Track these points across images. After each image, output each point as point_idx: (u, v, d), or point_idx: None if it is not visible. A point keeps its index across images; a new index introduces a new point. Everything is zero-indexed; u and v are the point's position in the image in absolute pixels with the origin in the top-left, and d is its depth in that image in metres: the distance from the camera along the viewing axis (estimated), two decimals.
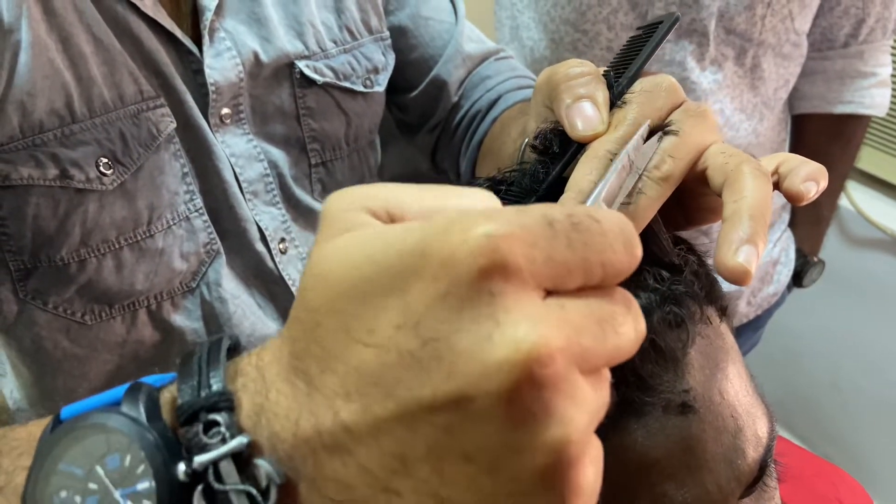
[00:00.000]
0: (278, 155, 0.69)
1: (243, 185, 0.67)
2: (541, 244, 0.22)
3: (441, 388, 0.21)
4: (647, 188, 0.37)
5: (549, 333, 0.21)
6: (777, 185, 0.40)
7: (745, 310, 1.20)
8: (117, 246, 0.61)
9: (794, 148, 1.20)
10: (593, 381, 0.23)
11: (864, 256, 1.71)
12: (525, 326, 0.21)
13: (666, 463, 0.36)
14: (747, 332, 1.25)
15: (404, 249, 0.22)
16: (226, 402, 0.24)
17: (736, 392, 0.39)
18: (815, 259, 1.24)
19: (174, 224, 0.63)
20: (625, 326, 0.24)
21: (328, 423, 0.22)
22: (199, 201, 0.64)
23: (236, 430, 0.23)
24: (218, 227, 0.66)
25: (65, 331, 0.64)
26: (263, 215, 0.69)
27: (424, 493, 0.22)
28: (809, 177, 0.39)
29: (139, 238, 0.61)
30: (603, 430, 0.32)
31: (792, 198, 0.39)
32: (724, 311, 0.42)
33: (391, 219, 0.24)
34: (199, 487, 0.23)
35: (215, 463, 0.23)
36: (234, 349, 0.27)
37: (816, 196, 0.39)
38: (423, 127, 0.83)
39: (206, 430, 0.23)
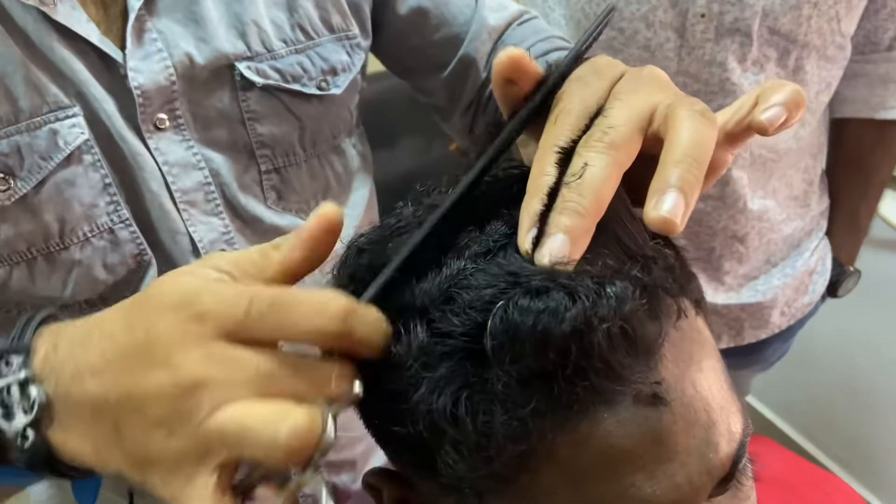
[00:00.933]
0: (221, 162, 0.66)
1: (176, 195, 0.64)
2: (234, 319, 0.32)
3: (152, 380, 0.32)
4: (592, 159, 0.35)
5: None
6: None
7: (778, 320, 1.17)
8: (30, 256, 0.60)
9: (833, 153, 1.16)
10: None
11: (884, 260, 1.68)
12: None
13: (635, 454, 0.35)
14: (777, 343, 1.22)
15: (184, 296, 0.33)
16: (24, 349, 0.36)
17: (709, 386, 0.38)
18: (851, 269, 1.21)
19: (93, 236, 0.61)
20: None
21: (77, 391, 0.34)
22: (124, 212, 0.62)
23: (25, 368, 0.35)
24: (149, 237, 0.65)
25: (9, 325, 0.63)
26: (201, 226, 0.66)
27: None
28: (775, 103, 0.37)
29: (52, 250, 0.60)
30: (572, 419, 0.35)
31: (757, 131, 0.37)
32: (699, 305, 0.41)
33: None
34: None
35: (9, 385, 0.35)
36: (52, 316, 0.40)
37: (785, 126, 0.37)
38: (456, 109, 0.80)
39: (6, 364, 0.35)
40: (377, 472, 0.47)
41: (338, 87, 0.70)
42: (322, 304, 0.33)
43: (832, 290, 1.21)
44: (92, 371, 0.34)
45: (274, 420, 0.31)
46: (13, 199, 0.57)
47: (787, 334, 1.21)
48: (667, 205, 0.33)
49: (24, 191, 0.57)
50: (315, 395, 0.32)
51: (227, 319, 0.32)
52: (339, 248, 0.42)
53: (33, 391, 0.35)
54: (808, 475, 0.73)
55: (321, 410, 0.31)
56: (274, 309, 0.32)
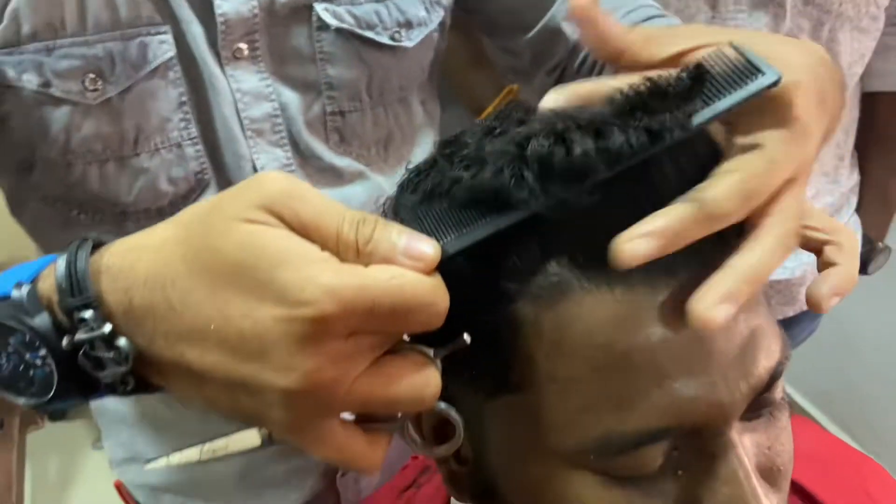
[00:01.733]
0: (291, 97, 0.68)
1: (245, 122, 0.66)
2: (356, 319, 0.31)
3: (249, 375, 0.31)
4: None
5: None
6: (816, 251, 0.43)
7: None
8: (103, 158, 0.63)
9: (863, 128, 1.14)
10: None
11: None
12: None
13: (673, 347, 0.36)
14: (805, 321, 1.21)
15: (279, 278, 0.30)
16: (91, 300, 0.33)
17: (751, 305, 0.39)
18: (882, 245, 1.19)
19: (163, 148, 0.64)
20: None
21: (171, 353, 0.33)
22: (193, 130, 0.65)
23: (102, 321, 0.33)
24: (213, 159, 0.67)
25: (61, 224, 0.68)
26: (264, 155, 0.68)
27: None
28: (836, 290, 0.41)
29: (125, 155, 0.63)
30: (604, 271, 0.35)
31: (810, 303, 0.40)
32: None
33: (295, 227, 0.32)
34: (81, 352, 0.34)
35: (92, 340, 0.33)
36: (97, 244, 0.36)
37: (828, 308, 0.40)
38: (539, 70, 0.79)
39: (81, 320, 0.33)
40: None
41: (410, 40, 0.71)
42: (434, 304, 0.32)
43: (862, 267, 1.20)
44: (188, 341, 0.33)
45: (420, 385, 0.33)
46: (99, 101, 0.60)
47: (815, 312, 1.19)
48: (715, 310, 0.34)
49: (111, 94, 0.60)
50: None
51: (349, 324, 0.31)
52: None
53: (122, 343, 0.33)
54: (844, 455, 0.71)
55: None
56: (394, 313, 0.31)
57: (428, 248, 0.33)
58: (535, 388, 0.38)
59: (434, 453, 0.40)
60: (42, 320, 0.34)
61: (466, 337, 0.35)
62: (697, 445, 0.38)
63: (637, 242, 0.33)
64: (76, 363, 0.34)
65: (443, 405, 0.37)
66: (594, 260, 0.35)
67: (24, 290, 0.35)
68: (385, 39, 0.69)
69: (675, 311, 0.36)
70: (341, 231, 0.32)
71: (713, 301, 0.34)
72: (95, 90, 0.60)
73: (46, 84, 0.59)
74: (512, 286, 0.38)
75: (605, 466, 0.38)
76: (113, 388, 0.35)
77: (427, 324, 0.33)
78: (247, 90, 0.65)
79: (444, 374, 0.40)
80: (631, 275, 0.35)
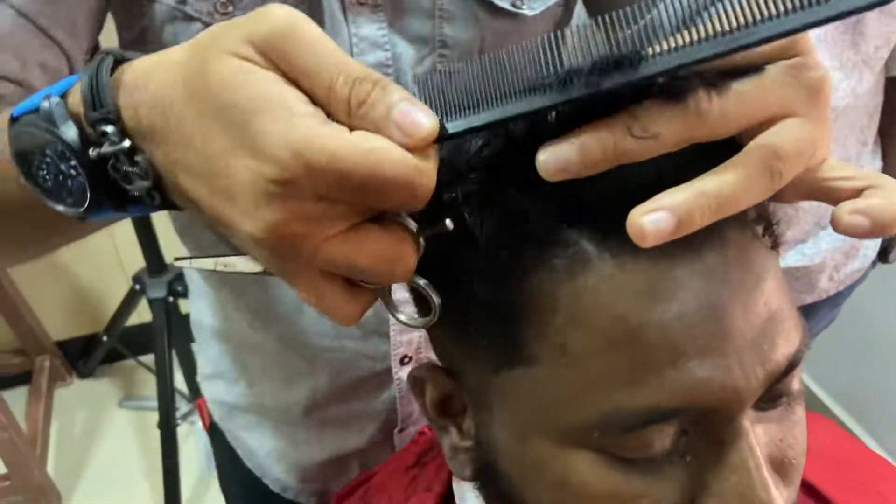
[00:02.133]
0: (405, 50, 0.68)
1: None
2: (325, 186, 0.29)
3: (215, 206, 0.32)
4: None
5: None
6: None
7: (826, 286, 1.14)
8: None
9: (885, 113, 1.12)
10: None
11: None
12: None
13: (693, 327, 0.35)
14: (825, 309, 1.20)
15: (253, 126, 0.29)
16: (113, 116, 0.34)
17: (772, 289, 0.37)
18: None
19: None
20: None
21: (171, 177, 0.33)
22: None
23: (122, 136, 0.34)
24: None
25: None
26: None
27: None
28: (866, 210, 0.33)
29: None
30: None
31: (833, 223, 0.34)
32: (770, 233, 0.41)
33: (285, 72, 0.31)
34: (110, 163, 0.34)
35: (116, 154, 0.34)
36: (119, 59, 0.36)
37: (862, 234, 0.34)
38: None
39: (103, 134, 0.34)
40: (423, 367, 0.47)
41: (532, 9, 0.70)
42: (413, 186, 0.30)
43: (883, 255, 1.18)
44: (181, 168, 0.33)
45: (391, 258, 0.32)
46: None
47: (835, 300, 1.18)
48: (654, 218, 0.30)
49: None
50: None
51: (315, 189, 0.29)
52: None
53: (140, 159, 0.34)
54: (858, 454, 0.70)
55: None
56: (366, 188, 0.29)
57: (424, 120, 0.30)
58: (546, 362, 0.37)
59: (410, 323, 0.38)
60: (69, 130, 0.35)
61: (449, 223, 0.33)
62: (708, 431, 0.37)
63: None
64: (107, 175, 0.35)
65: (421, 281, 0.35)
66: (615, 230, 0.33)
67: (53, 101, 0.35)
68: (506, 4, 0.69)
69: (694, 287, 0.35)
70: (335, 85, 0.30)
71: (649, 208, 0.30)
72: (225, 14, 0.62)
73: (183, 1, 0.61)
74: (529, 256, 0.37)
75: (612, 445, 0.37)
76: (143, 202, 0.36)
77: (406, 204, 0.30)
78: (364, 36, 0.66)
79: (453, 344, 0.39)
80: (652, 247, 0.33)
